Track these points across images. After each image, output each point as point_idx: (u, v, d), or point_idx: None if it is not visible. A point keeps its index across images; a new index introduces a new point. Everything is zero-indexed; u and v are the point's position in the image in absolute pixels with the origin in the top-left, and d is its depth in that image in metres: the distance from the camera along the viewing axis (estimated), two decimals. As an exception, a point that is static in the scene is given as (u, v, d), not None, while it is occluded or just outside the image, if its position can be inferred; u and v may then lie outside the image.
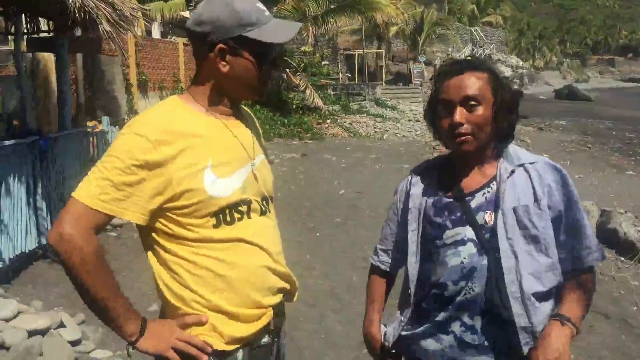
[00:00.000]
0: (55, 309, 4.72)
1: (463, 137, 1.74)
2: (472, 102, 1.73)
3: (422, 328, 1.83)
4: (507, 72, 45.07)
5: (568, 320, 1.67)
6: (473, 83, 1.73)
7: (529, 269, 1.70)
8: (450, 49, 41.09)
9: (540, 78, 59.19)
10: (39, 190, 5.93)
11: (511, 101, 1.77)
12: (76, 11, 5.36)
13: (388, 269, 2.06)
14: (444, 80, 1.78)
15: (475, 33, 49.66)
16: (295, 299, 1.87)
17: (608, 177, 12.63)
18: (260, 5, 1.67)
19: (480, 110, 1.73)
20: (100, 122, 8.44)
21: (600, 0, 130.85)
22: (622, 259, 6.68)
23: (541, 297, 1.72)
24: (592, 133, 21.37)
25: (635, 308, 5.35)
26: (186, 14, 20.57)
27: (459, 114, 1.73)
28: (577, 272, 1.77)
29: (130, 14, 6.10)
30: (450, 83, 1.76)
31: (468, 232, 1.75)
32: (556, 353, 1.63)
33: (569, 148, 17.16)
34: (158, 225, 1.61)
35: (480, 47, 45.78)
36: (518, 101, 1.79)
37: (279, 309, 1.77)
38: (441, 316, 1.78)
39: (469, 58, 1.85)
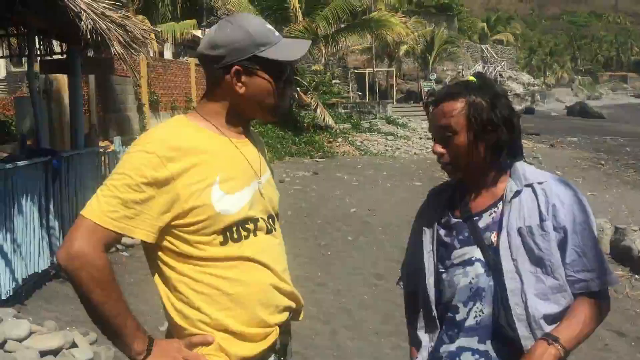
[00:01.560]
0: (67, 328, 4.73)
1: (446, 167, 1.79)
2: (447, 133, 1.74)
3: None
4: (518, 89, 45.11)
5: (555, 341, 1.62)
6: (447, 113, 1.74)
7: (536, 291, 1.67)
8: (460, 67, 41.20)
9: (552, 95, 59.02)
10: (52, 210, 5.97)
11: (493, 121, 1.72)
12: (88, 33, 5.43)
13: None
14: (429, 112, 1.82)
15: (485, 51, 49.76)
16: (301, 317, 1.85)
17: (621, 193, 12.54)
18: (270, 27, 1.70)
19: (455, 140, 1.73)
20: (112, 142, 8.51)
21: (612, 17, 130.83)
22: (637, 276, 6.61)
23: (552, 319, 1.68)
24: (604, 150, 21.25)
25: (651, 326, 5.28)
26: (198, 33, 20.82)
27: (437, 146, 1.78)
28: (586, 295, 1.71)
29: (142, 35, 6.16)
30: (431, 115, 1.80)
31: (476, 252, 1.75)
32: None
33: (582, 165, 17.06)
34: (165, 243, 1.61)
35: (491, 64, 45.84)
36: (510, 120, 1.74)
37: (285, 327, 1.76)
38: (451, 348, 1.76)
39: (450, 85, 1.82)
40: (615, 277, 1.77)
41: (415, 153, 18.58)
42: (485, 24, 65.19)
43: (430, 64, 36.39)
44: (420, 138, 21.67)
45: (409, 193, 11.15)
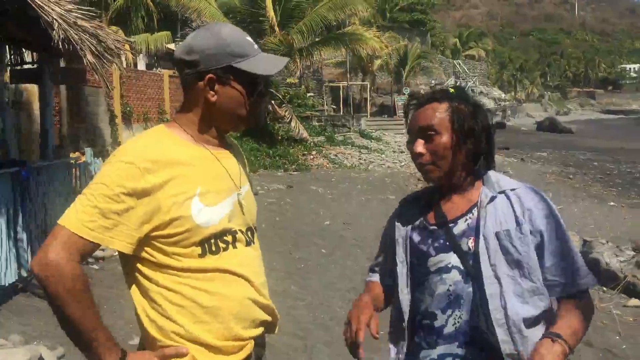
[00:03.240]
0: (34, 342, 4.63)
1: (425, 167, 1.80)
2: (430, 132, 1.77)
3: None
4: (489, 104, 45.74)
5: (559, 337, 1.62)
6: (431, 114, 1.78)
7: (514, 294, 1.69)
8: (433, 82, 41.65)
9: (522, 110, 59.97)
10: (20, 222, 5.86)
11: (474, 129, 1.77)
12: (60, 42, 5.36)
13: (385, 283, 1.99)
14: (410, 114, 1.85)
15: (458, 66, 50.42)
16: (276, 330, 1.85)
17: (589, 207, 12.75)
18: (249, 39, 1.71)
19: (437, 140, 1.76)
20: (83, 153, 8.40)
21: (580, 35, 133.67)
22: (604, 288, 6.70)
23: (530, 322, 1.70)
24: (573, 164, 21.65)
25: (618, 337, 5.36)
26: (171, 46, 20.74)
27: (418, 144, 1.79)
28: (571, 297, 1.74)
29: (115, 45, 6.10)
30: (413, 116, 1.84)
31: (452, 259, 1.75)
32: None
33: (550, 179, 17.34)
34: (143, 254, 1.60)
35: (463, 79, 46.45)
36: (488, 130, 1.80)
37: (259, 340, 1.75)
38: (432, 355, 1.76)
39: (433, 90, 1.88)
40: (594, 277, 1.80)
41: (389, 166, 18.70)
42: (457, 40, 66.11)
43: (404, 78, 36.73)
44: (394, 152, 21.83)
45: (383, 206, 11.18)
